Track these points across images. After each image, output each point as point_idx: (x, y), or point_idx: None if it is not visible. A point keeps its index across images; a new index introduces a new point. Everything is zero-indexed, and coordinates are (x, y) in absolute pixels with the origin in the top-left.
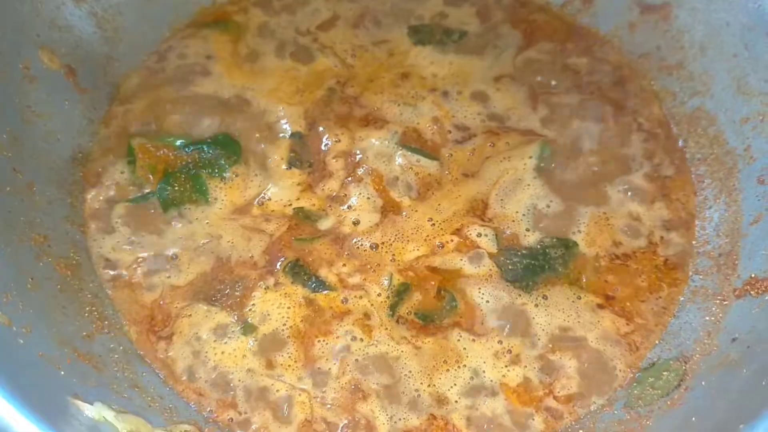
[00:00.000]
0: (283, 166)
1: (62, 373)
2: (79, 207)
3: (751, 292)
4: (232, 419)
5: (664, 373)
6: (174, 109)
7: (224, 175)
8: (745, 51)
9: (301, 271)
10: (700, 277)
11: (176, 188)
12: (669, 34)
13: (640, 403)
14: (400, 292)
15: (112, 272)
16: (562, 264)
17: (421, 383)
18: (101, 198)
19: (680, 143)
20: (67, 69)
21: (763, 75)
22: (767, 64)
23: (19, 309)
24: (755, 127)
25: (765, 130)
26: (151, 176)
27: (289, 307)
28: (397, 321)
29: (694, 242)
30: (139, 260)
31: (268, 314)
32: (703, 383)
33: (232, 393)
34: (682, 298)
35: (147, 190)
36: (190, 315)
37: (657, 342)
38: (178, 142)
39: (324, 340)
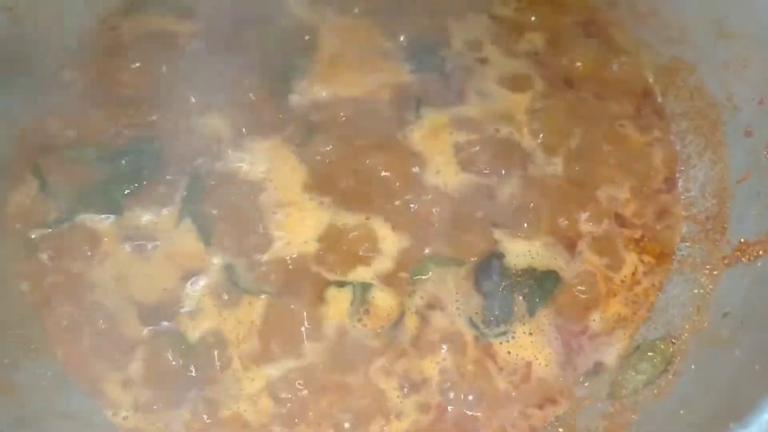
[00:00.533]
0: None
1: None
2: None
3: (743, 259)
4: None
5: (649, 353)
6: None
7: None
8: None
9: None
10: (687, 244)
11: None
12: None
13: (624, 391)
14: None
15: (36, 288)
16: None
17: None
18: (18, 217)
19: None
20: None
21: (745, 15)
22: (750, 2)
23: None
24: (738, 73)
25: (749, 77)
26: (63, 198)
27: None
28: None
29: (679, 205)
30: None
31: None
32: (692, 367)
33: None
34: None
35: (61, 215)
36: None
37: (642, 321)
38: (93, 156)
39: None
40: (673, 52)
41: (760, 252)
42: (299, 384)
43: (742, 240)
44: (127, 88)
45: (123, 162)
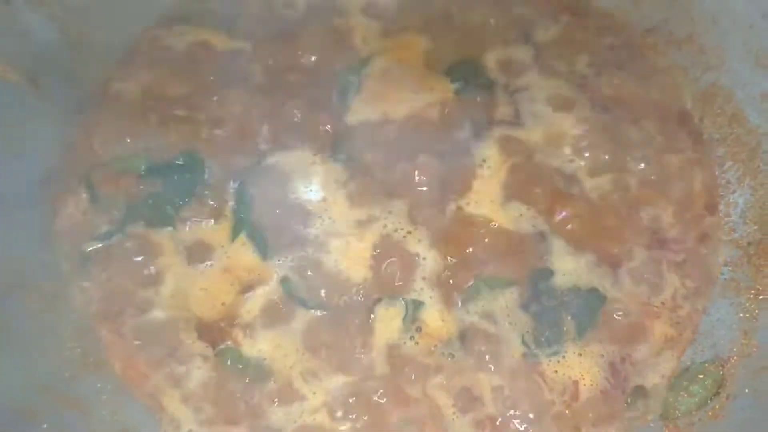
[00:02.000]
0: None
1: (45, 426)
2: (53, 233)
3: None
4: None
5: (700, 376)
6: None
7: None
8: (762, 20)
9: None
10: (730, 269)
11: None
12: (677, 6)
13: (677, 413)
14: None
15: (94, 305)
16: None
17: None
18: (70, 229)
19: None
20: (30, 82)
21: None
22: None
23: None
24: None
25: None
26: (115, 211)
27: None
28: None
29: (720, 230)
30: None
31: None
32: (746, 391)
33: None
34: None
35: (112, 227)
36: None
37: (689, 343)
38: (143, 168)
39: None
40: (710, 78)
41: None
42: (352, 400)
43: None
44: (175, 101)
45: (174, 175)
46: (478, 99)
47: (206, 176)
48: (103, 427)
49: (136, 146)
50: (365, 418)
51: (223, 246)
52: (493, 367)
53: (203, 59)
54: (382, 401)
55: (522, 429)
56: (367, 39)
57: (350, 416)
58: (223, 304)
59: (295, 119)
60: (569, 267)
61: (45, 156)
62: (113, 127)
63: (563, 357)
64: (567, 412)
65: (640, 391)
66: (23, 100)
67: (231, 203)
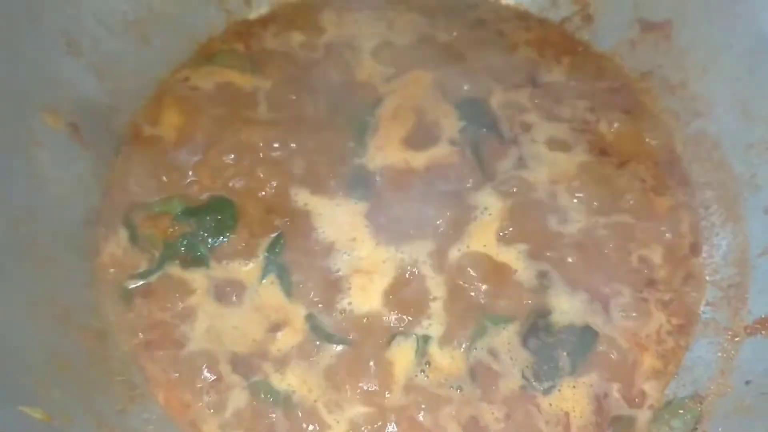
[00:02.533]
0: None
1: None
2: (96, 271)
3: (762, 332)
4: None
5: (680, 411)
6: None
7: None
8: (749, 75)
9: None
10: (711, 308)
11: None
12: (671, 53)
13: None
14: None
15: (134, 335)
16: None
17: None
18: (112, 267)
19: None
20: (72, 127)
21: (767, 100)
22: None
23: (55, 398)
24: (760, 154)
25: None
26: (154, 250)
27: (311, 389)
28: None
29: (703, 271)
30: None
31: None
32: (720, 430)
33: None
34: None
35: (152, 266)
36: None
37: (672, 377)
38: (179, 210)
39: None
40: (700, 125)
41: None
42: (377, 426)
43: (763, 315)
44: (203, 143)
45: (207, 217)
46: (483, 137)
47: (238, 218)
48: None
49: (170, 188)
50: None
51: (253, 285)
52: (495, 399)
53: (228, 101)
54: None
55: None
56: (378, 78)
57: None
58: (254, 340)
59: (324, 159)
60: (565, 306)
61: (87, 198)
62: (147, 169)
63: (558, 390)
64: None
65: (626, 422)
66: (67, 146)
67: (264, 245)
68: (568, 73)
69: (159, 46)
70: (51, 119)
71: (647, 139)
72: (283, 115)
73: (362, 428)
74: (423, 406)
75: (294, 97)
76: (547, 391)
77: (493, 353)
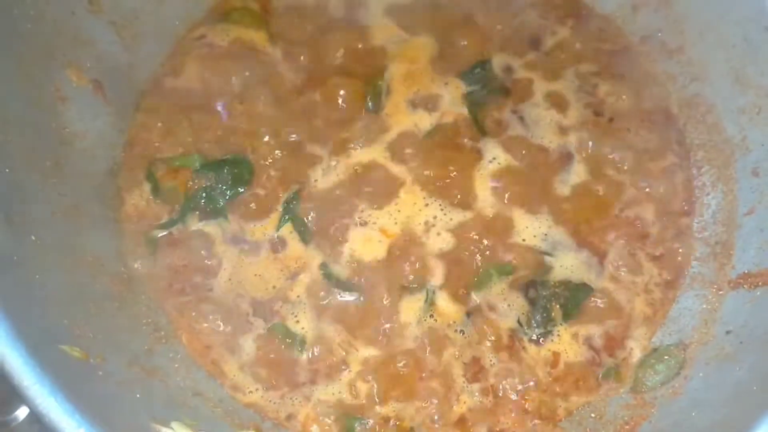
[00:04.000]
0: None
1: (138, 395)
2: (121, 221)
3: (744, 285)
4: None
5: (665, 357)
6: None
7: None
8: (744, 42)
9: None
10: (698, 263)
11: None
12: (670, 18)
13: (644, 387)
14: None
15: (159, 282)
16: None
17: None
18: (136, 217)
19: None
20: (95, 83)
21: (760, 68)
22: (765, 57)
23: (89, 338)
24: (752, 118)
25: (761, 122)
26: (175, 202)
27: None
28: None
29: (694, 228)
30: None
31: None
32: (701, 374)
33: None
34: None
35: (174, 216)
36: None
37: (659, 326)
38: (198, 164)
39: None
40: (695, 88)
41: (759, 282)
42: (388, 368)
43: (746, 271)
44: (220, 98)
45: (224, 170)
46: (486, 99)
47: (255, 171)
48: (179, 392)
49: (189, 142)
50: (394, 381)
51: (270, 234)
52: (491, 343)
53: (244, 57)
54: (406, 369)
55: (513, 396)
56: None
57: (379, 380)
58: (273, 287)
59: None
60: (563, 261)
61: (110, 151)
62: (165, 124)
63: (549, 338)
64: (550, 380)
65: (614, 367)
66: (91, 101)
67: (283, 196)
68: (571, 35)
69: (175, 3)
70: (75, 76)
71: (645, 100)
72: (299, 74)
73: (370, 371)
74: (429, 348)
75: (305, 58)
76: (539, 338)
77: (493, 301)
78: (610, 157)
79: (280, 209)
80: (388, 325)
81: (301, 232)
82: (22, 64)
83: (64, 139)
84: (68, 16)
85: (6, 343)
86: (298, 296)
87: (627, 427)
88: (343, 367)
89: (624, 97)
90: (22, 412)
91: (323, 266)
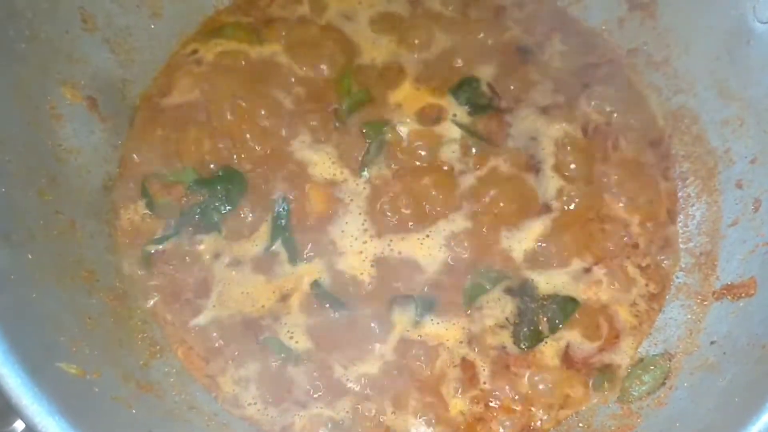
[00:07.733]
0: None
1: (134, 411)
2: (116, 236)
3: (728, 296)
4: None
5: (651, 367)
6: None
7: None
8: (727, 55)
9: None
10: (683, 274)
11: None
12: (656, 31)
13: (631, 397)
14: None
15: (154, 298)
16: None
17: None
18: (131, 233)
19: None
20: (89, 100)
21: (743, 81)
22: (747, 70)
23: (86, 354)
24: (735, 130)
25: (744, 135)
26: (170, 217)
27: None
28: None
29: (679, 239)
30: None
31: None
32: (685, 384)
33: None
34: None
35: (168, 232)
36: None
37: (646, 336)
38: (191, 180)
39: None
40: (680, 100)
41: (743, 294)
42: (382, 380)
43: (729, 282)
44: (213, 112)
45: (218, 186)
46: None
47: (247, 187)
48: (175, 407)
49: (183, 159)
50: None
51: (261, 251)
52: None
53: (238, 72)
54: (398, 380)
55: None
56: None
57: (374, 394)
58: (267, 302)
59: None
60: (551, 275)
61: (105, 167)
62: (159, 139)
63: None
64: (538, 390)
65: (602, 376)
66: (85, 118)
67: (272, 212)
68: (557, 49)
69: (169, 20)
70: (70, 93)
71: (631, 113)
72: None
73: (367, 385)
74: (422, 358)
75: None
76: (527, 349)
77: (484, 311)
78: (596, 169)
79: (271, 225)
80: (381, 339)
81: (291, 250)
82: (18, 83)
83: (60, 156)
84: (62, 35)
85: (4, 364)
86: (290, 312)
87: None
88: (338, 381)
89: (609, 108)
90: (20, 425)
91: (315, 284)
